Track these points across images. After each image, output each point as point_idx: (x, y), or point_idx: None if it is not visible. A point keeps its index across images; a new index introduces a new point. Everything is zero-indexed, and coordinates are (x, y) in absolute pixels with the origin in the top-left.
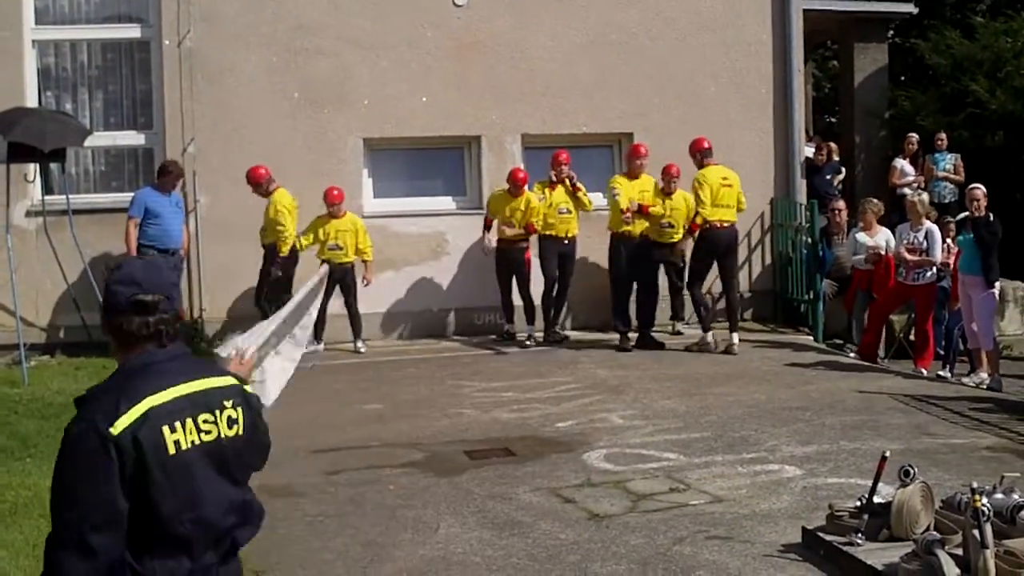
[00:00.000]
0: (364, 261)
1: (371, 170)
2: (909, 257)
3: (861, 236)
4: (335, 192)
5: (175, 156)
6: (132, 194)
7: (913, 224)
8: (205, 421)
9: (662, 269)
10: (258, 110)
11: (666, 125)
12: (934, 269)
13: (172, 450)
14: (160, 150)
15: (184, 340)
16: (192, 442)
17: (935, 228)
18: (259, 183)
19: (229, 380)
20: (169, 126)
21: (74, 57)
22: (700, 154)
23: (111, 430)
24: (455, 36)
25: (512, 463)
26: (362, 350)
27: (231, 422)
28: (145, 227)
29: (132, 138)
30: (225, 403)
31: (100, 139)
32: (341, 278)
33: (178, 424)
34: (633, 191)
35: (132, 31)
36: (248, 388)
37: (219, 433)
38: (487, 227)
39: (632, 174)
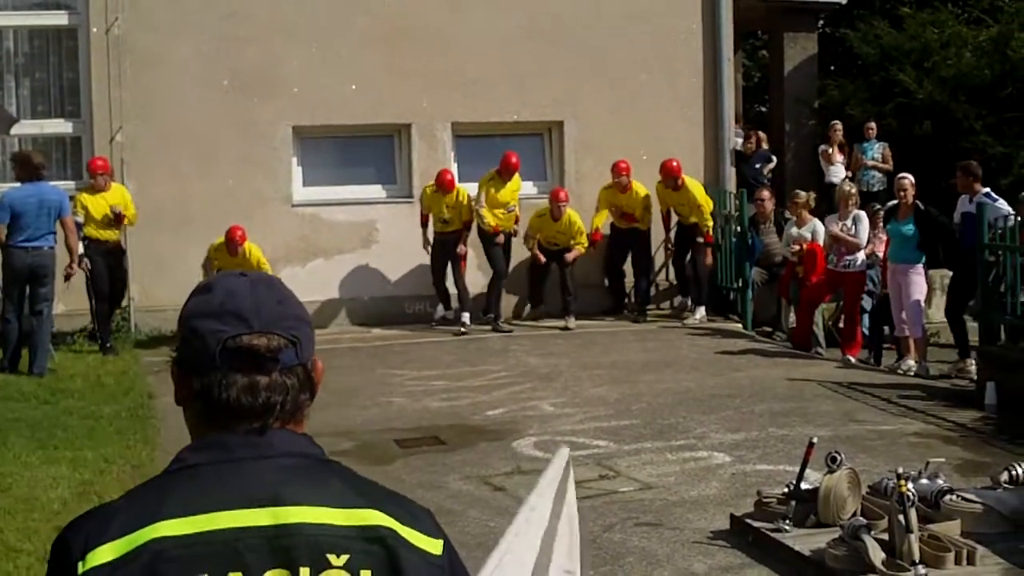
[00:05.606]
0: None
1: (301, 158)
2: (838, 233)
3: (793, 230)
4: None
5: (103, 144)
6: (58, 183)
7: (841, 213)
8: None
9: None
10: (187, 98)
11: (597, 114)
12: (863, 256)
13: None
14: (88, 139)
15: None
16: None
17: (863, 214)
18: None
19: (361, 517)
20: (97, 114)
21: (0, 44)
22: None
23: (80, 564)
24: (385, 23)
25: (442, 451)
26: None
27: None
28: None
29: (60, 126)
30: (330, 557)
31: (27, 127)
32: None
33: None
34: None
35: (59, 18)
36: (413, 536)
37: None
38: (424, 223)
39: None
